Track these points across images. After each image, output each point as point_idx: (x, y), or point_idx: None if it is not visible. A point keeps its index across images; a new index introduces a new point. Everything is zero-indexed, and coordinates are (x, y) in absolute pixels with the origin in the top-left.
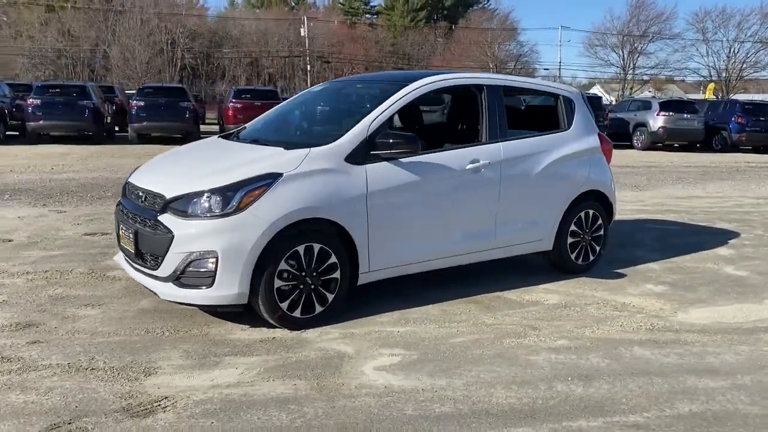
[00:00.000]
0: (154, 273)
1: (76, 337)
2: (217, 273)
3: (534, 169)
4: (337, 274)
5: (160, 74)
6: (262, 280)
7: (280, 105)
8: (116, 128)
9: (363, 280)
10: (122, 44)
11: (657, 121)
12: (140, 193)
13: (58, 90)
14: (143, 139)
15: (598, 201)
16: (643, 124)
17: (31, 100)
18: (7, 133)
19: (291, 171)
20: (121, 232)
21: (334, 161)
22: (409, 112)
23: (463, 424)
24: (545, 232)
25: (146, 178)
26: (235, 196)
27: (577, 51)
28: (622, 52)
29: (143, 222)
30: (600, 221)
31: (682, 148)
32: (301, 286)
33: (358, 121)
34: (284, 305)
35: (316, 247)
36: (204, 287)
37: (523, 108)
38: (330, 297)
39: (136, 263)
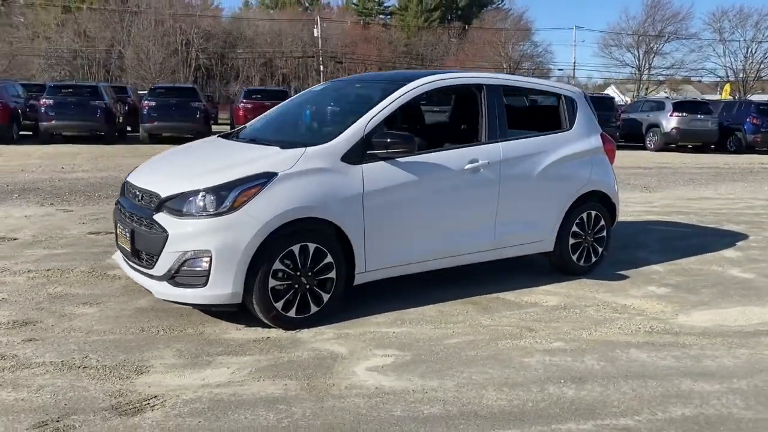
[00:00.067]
0: (150, 272)
1: (71, 336)
2: (211, 272)
3: (534, 169)
4: (332, 274)
5: (174, 75)
6: (257, 279)
7: (281, 104)
8: (128, 128)
9: (359, 280)
10: (137, 45)
11: (670, 121)
12: (137, 192)
13: (70, 90)
14: (154, 139)
15: (600, 202)
16: (656, 125)
17: (43, 100)
18: (21, 132)
19: (286, 170)
20: (118, 231)
21: (330, 161)
22: (408, 111)
23: (451, 426)
24: (546, 233)
25: (143, 178)
26: (229, 196)
27: (592, 51)
28: (638, 52)
29: (139, 221)
30: (602, 222)
31: (696, 149)
32: (296, 286)
33: (354, 121)
34: (279, 305)
35: (312, 246)
36: (198, 286)
37: (524, 108)
38: (325, 297)
39: (132, 262)
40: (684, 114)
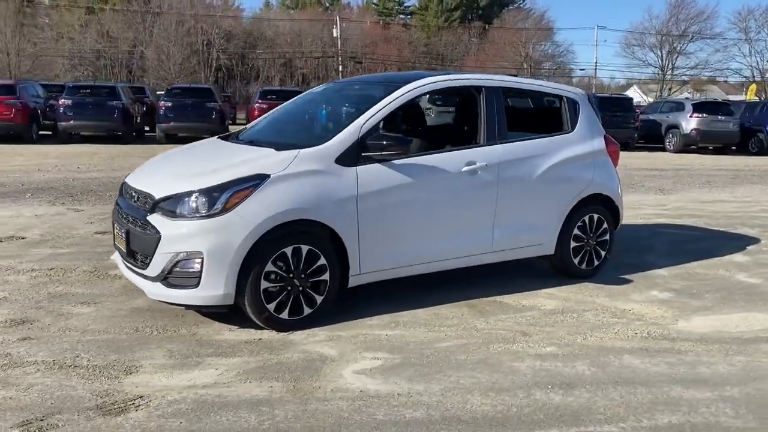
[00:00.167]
0: (144, 272)
1: (66, 335)
2: (203, 273)
3: (534, 171)
4: (326, 276)
5: (193, 75)
6: (249, 281)
7: (282, 105)
8: (146, 128)
9: (353, 282)
10: (157, 45)
11: (690, 122)
12: (133, 193)
13: (88, 91)
14: (171, 139)
15: (603, 205)
16: (676, 126)
17: (62, 100)
18: (41, 132)
19: (279, 172)
20: (115, 232)
21: (324, 163)
22: (408, 113)
23: (432, 431)
24: (546, 236)
25: (140, 179)
26: (221, 197)
27: (614, 51)
28: (661, 52)
29: (134, 222)
30: (605, 225)
31: (717, 151)
32: (289, 288)
33: (349, 123)
34: (271, 306)
35: (305, 248)
36: (190, 287)
37: (525, 110)
38: (319, 299)
39: (128, 262)
40: (704, 115)
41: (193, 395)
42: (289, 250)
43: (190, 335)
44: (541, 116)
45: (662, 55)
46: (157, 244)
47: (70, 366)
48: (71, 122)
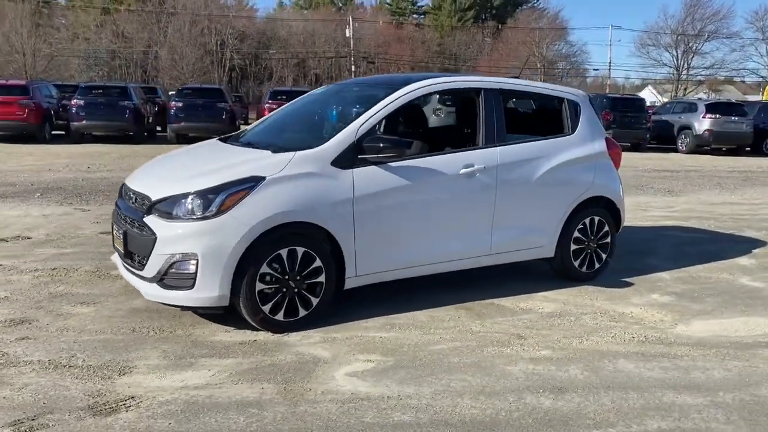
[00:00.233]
0: (141, 273)
1: (63, 335)
2: (198, 275)
3: (533, 174)
4: (322, 278)
5: (206, 75)
6: (243, 282)
7: (283, 107)
8: (158, 128)
9: (350, 284)
10: (171, 46)
11: (702, 123)
12: (131, 194)
13: (100, 91)
14: (182, 139)
15: (604, 207)
16: (688, 127)
17: (75, 100)
18: (54, 132)
19: (274, 174)
20: (114, 233)
21: (320, 165)
22: (407, 115)
23: None
24: (546, 239)
25: (138, 180)
26: (216, 199)
27: (628, 51)
28: (676, 51)
29: (132, 223)
30: (606, 228)
31: (730, 152)
32: (284, 290)
33: (346, 125)
34: (266, 308)
35: (300, 250)
36: (186, 289)
37: (526, 112)
38: (315, 301)
39: (126, 263)
40: (717, 116)
41: (184, 396)
42: (284, 252)
43: (185, 336)
44: (541, 118)
45: (677, 55)
46: (153, 246)
47: (65, 366)
48: (83, 122)
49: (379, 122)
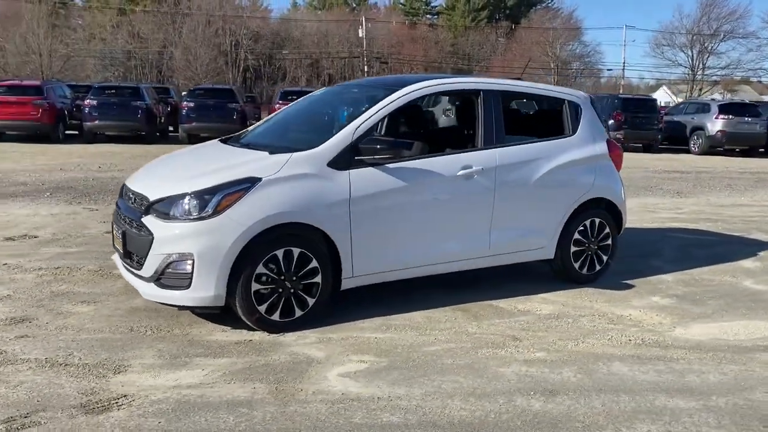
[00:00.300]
0: (139, 273)
1: (62, 333)
2: (194, 275)
3: (532, 175)
4: (318, 279)
5: (220, 75)
6: (239, 283)
7: (283, 108)
8: (170, 128)
9: (346, 285)
10: (185, 46)
11: (715, 124)
12: (131, 195)
13: (113, 91)
14: (193, 139)
15: (605, 209)
16: (701, 128)
17: (88, 100)
18: (67, 132)
19: (270, 175)
20: (114, 232)
21: (316, 166)
22: (407, 116)
23: None
24: (546, 240)
25: (138, 181)
26: (212, 200)
27: (643, 51)
28: (691, 51)
29: (130, 223)
30: (608, 230)
31: (744, 153)
32: (280, 290)
33: (343, 127)
34: (262, 308)
35: (296, 251)
36: (182, 288)
37: (526, 113)
38: (311, 301)
39: (125, 263)
40: (730, 116)
41: (177, 395)
42: (280, 253)
43: (182, 335)
44: (541, 120)
45: (692, 55)
46: (151, 246)
47: (61, 364)
48: (96, 122)
49: (378, 124)
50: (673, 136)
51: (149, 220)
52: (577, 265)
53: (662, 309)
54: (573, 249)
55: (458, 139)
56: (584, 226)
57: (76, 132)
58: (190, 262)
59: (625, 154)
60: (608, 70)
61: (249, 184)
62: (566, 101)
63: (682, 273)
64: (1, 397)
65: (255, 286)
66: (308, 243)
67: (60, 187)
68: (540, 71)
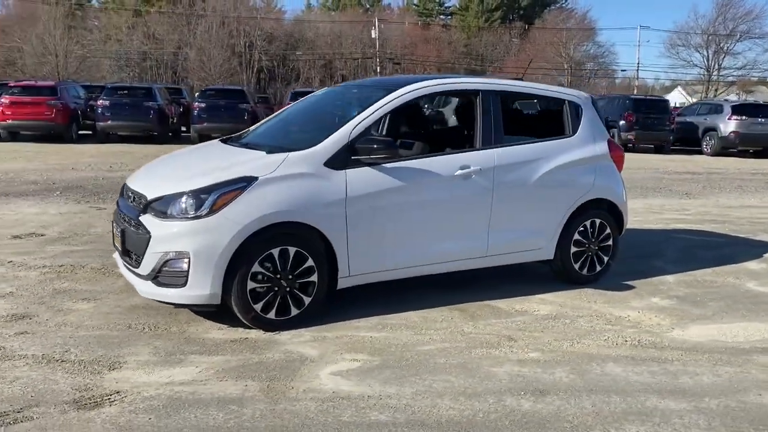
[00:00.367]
0: (137, 271)
1: (61, 330)
2: (190, 273)
3: (532, 176)
4: (314, 278)
5: (234, 76)
6: (235, 281)
7: (283, 109)
8: (182, 128)
9: (343, 284)
10: (199, 47)
11: (728, 125)
12: (130, 194)
13: (126, 92)
14: (205, 139)
15: (606, 210)
16: (713, 129)
17: (101, 101)
18: (81, 132)
19: (267, 175)
20: (114, 231)
21: (313, 166)
22: (406, 116)
23: None
24: (545, 241)
25: (137, 180)
26: (208, 199)
27: (657, 52)
28: (707, 52)
29: (129, 221)
30: (608, 231)
31: (757, 155)
32: (276, 289)
33: (340, 127)
34: (258, 306)
35: (292, 250)
36: (178, 287)
37: (526, 113)
38: (307, 300)
39: (124, 261)
40: (743, 117)
41: (169, 392)
42: (276, 252)
43: (179, 333)
44: (541, 120)
45: (708, 56)
46: (148, 244)
47: (57, 360)
48: (109, 122)
49: (375, 123)
50: (685, 137)
51: (147, 219)
52: (577, 266)
53: (661, 310)
54: (573, 250)
55: (457, 139)
56: (584, 226)
57: (90, 132)
58: (186, 260)
59: (636, 155)
60: (622, 70)
61: (245, 183)
62: (566, 101)
63: (684, 274)
64: None
65: (251, 285)
66: (304, 242)
67: (70, 186)
68: (554, 72)
